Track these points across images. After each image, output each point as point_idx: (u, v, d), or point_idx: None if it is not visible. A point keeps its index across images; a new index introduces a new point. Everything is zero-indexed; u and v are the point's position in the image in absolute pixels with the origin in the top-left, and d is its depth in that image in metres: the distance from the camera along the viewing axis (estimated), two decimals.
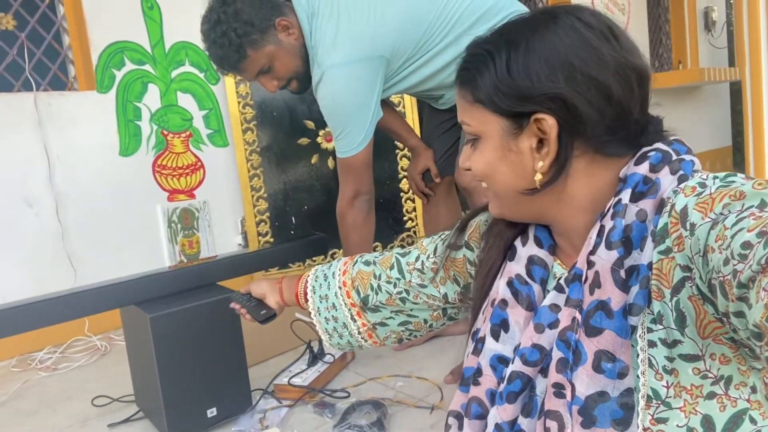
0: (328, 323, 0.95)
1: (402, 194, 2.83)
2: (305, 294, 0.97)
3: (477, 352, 0.69)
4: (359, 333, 0.93)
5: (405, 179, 2.71)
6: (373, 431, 1.26)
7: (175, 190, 2.52)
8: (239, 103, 2.58)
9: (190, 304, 1.35)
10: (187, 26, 2.51)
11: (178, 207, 2.51)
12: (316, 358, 1.61)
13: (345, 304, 0.92)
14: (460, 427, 0.70)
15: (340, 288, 0.93)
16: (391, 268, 0.89)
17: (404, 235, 2.85)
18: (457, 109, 0.68)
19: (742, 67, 2.79)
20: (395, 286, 0.87)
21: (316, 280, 0.97)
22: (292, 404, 1.46)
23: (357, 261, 0.94)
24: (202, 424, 1.36)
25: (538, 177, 0.61)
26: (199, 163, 2.58)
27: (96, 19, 2.32)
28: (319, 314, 0.95)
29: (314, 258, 2.69)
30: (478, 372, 0.68)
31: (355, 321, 0.92)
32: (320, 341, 1.65)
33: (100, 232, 2.31)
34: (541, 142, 0.61)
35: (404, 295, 0.87)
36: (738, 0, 2.78)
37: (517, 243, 0.71)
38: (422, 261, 0.86)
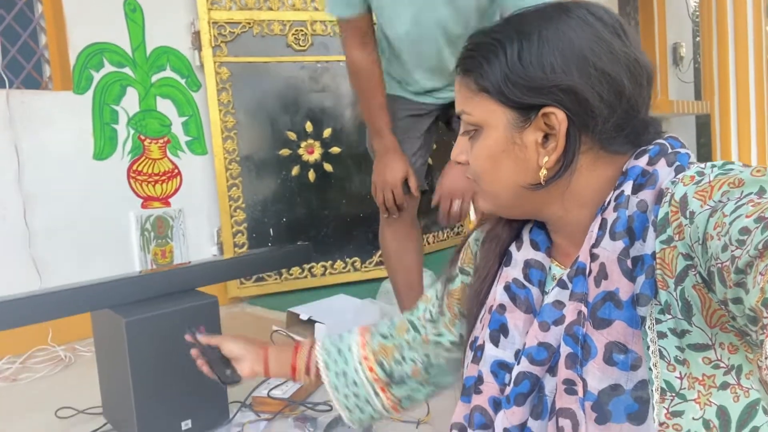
0: (348, 400, 0.89)
1: None
2: (317, 370, 0.90)
3: (477, 360, 0.67)
4: (383, 407, 0.88)
5: None
6: None
7: (150, 197, 2.44)
8: (221, 111, 2.53)
9: (169, 309, 1.29)
10: (169, 31, 2.46)
11: (152, 214, 2.44)
12: None
13: (368, 379, 0.87)
14: None
15: (360, 363, 0.88)
16: (407, 331, 0.86)
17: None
18: (455, 100, 0.66)
19: (710, 101, 2.88)
20: (417, 351, 0.85)
21: (328, 355, 0.90)
22: (272, 418, 1.40)
23: (374, 333, 0.90)
24: None
25: (543, 172, 0.60)
26: (176, 171, 2.51)
27: (76, 18, 2.26)
28: (337, 391, 0.89)
29: (291, 271, 2.64)
30: (479, 380, 0.66)
31: (378, 395, 0.88)
32: None
33: (69, 238, 2.22)
34: (546, 137, 0.60)
35: (426, 361, 0.85)
36: (706, 37, 2.88)
37: (512, 248, 0.69)
38: (429, 310, 0.84)
